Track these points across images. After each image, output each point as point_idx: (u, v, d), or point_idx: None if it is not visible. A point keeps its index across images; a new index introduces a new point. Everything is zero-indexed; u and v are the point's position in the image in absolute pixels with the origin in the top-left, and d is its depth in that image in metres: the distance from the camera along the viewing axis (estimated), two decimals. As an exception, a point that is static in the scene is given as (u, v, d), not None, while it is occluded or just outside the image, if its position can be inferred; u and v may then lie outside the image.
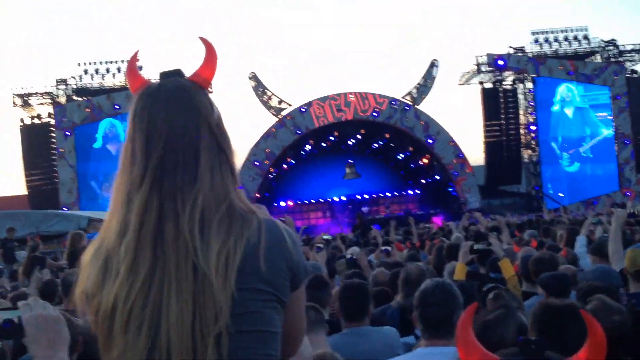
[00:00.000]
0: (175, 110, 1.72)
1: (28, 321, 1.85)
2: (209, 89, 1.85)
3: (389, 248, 9.35)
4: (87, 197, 32.72)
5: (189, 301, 1.58)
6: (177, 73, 1.80)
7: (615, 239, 5.45)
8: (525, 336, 2.70)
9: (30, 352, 1.85)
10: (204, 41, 1.86)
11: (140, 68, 28.66)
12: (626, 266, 4.73)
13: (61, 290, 6.21)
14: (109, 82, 35.03)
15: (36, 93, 34.49)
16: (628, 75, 36.66)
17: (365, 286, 4.59)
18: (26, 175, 34.13)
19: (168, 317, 1.58)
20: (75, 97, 34.80)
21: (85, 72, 34.92)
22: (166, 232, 1.63)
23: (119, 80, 34.91)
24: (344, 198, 36.82)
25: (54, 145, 33.59)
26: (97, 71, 34.95)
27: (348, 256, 8.08)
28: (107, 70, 34.95)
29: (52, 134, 33.66)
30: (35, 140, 33.84)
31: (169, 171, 1.67)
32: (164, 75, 1.80)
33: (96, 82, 35.01)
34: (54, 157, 33.52)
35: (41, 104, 34.71)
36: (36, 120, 34.43)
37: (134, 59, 1.92)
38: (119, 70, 34.87)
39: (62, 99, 34.55)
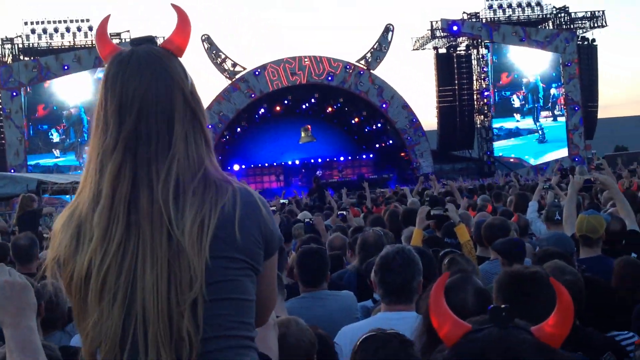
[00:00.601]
0: (148, 77, 1.69)
1: None
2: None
3: (344, 213, 9.41)
4: (36, 159, 32.15)
5: (164, 269, 1.58)
6: (149, 40, 1.77)
7: (570, 204, 5.58)
8: (484, 301, 2.76)
9: None
10: (177, 8, 1.82)
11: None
12: (576, 231, 4.87)
13: (12, 254, 6.10)
14: (58, 42, 34.13)
15: (-19, 52, 33.49)
16: (579, 43, 37.24)
17: (323, 251, 4.62)
18: (-28, 136, 33.29)
19: (143, 285, 1.58)
20: (22, 57, 33.84)
21: (33, 31, 33.94)
22: (140, 201, 1.62)
23: (68, 40, 34.08)
24: (297, 162, 36.84)
25: (0, 106, 32.74)
26: (44, 31, 33.99)
27: (305, 220, 8.10)
28: (56, 30, 34.02)
29: (-2, 94, 32.81)
30: (-20, 99, 32.96)
31: (143, 140, 1.66)
32: (135, 42, 1.76)
33: (44, 42, 34.08)
34: (0, 118, 32.68)
35: (-14, 63, 33.72)
36: (-19, 80, 33.47)
37: (104, 23, 1.85)
38: (67, 30, 34.00)
39: (8, 59, 33.57)
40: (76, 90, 32.90)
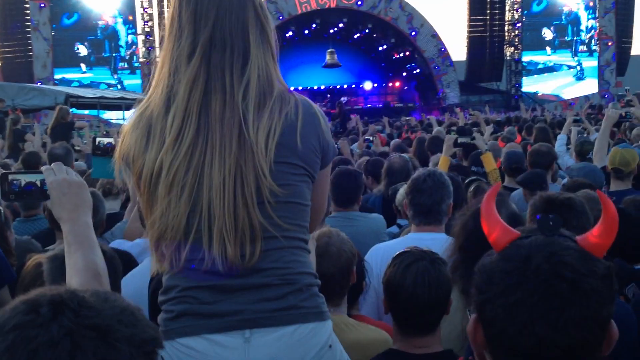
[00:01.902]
0: None
1: (52, 185, 1.89)
2: None
3: (371, 138, 9.43)
4: (62, 72, 32.09)
5: (232, 169, 1.67)
6: None
7: (603, 137, 5.57)
8: (517, 224, 2.82)
9: (55, 214, 1.90)
10: None
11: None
12: (608, 164, 4.89)
13: (48, 163, 6.25)
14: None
15: (9, -39, 33.03)
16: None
17: (358, 174, 4.69)
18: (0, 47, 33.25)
19: (210, 182, 1.67)
20: (50, -32, 33.45)
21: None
22: (212, 104, 1.71)
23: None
24: (322, 87, 36.59)
25: (28, 17, 32.55)
26: (74, -58, 33.43)
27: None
28: (85, -58, 33.46)
29: (27, 5, 32.54)
30: (8, 11, 32.70)
31: (217, 47, 1.74)
32: None
33: (73, -47, 33.53)
34: (28, 29, 32.56)
35: (14, -28, 33.34)
36: (9, -10, 33.21)
37: None
38: (97, -58, 33.42)
39: (36, -31, 33.18)
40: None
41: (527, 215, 2.69)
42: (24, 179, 1.97)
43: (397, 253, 2.62)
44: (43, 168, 1.93)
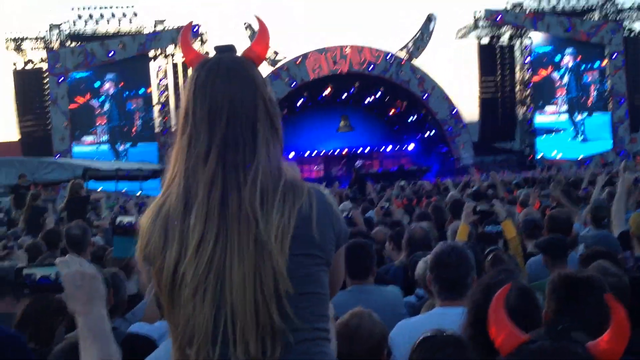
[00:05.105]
0: (236, 86, 1.79)
1: (66, 278, 1.89)
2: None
3: (387, 205, 9.41)
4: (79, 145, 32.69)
5: (251, 268, 1.67)
6: (231, 48, 1.87)
7: (619, 202, 5.53)
8: (527, 299, 2.76)
9: (69, 308, 1.89)
10: (258, 20, 1.93)
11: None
12: (632, 229, 4.84)
13: (65, 243, 6.25)
14: (103, 28, 34.57)
15: (29, 38, 33.98)
16: (625, 35, 36.45)
17: (370, 245, 4.66)
18: (19, 121, 33.86)
19: (232, 282, 1.67)
20: (68, 43, 34.36)
21: (79, 17, 34.40)
22: (230, 205, 1.72)
23: (114, 26, 34.49)
24: (337, 152, 36.81)
25: (47, 91, 33.27)
26: (91, 16, 34.44)
27: (344, 214, 8.13)
28: (102, 16, 34.43)
29: (45, 80, 33.31)
30: (28, 85, 33.48)
31: (231, 146, 1.75)
32: (220, 50, 1.86)
33: (90, 28, 34.53)
34: (47, 104, 33.23)
35: (34, 48, 34.25)
36: (29, 66, 34.03)
37: (187, 30, 1.97)
38: (113, 16, 34.42)
39: (55, 45, 34.09)
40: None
41: (546, 293, 2.65)
42: (39, 272, 1.98)
43: (422, 337, 2.58)
44: (57, 261, 1.93)
